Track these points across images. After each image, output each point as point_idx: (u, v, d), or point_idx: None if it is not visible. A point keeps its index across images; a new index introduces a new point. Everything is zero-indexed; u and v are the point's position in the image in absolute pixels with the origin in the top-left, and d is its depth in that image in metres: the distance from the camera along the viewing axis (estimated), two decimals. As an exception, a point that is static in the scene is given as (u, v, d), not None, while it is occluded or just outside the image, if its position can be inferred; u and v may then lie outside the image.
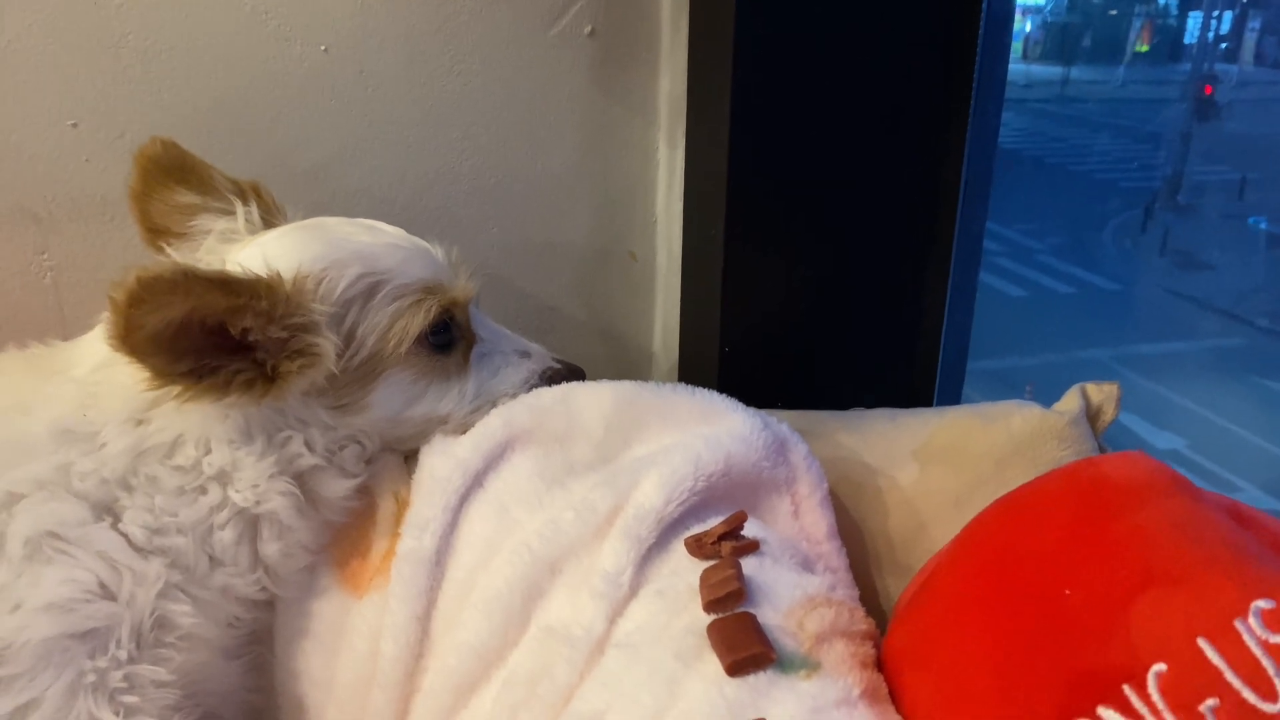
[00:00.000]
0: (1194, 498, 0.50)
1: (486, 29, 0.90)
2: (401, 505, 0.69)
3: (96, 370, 0.65)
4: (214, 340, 0.61)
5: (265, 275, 0.62)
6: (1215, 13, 10.94)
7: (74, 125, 0.83)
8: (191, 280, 0.58)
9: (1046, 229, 7.31)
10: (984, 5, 0.80)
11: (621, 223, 1.01)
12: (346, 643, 0.66)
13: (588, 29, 0.92)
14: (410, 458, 0.72)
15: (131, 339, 0.57)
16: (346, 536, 0.69)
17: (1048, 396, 0.78)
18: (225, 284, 0.60)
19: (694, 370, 0.95)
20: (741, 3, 0.78)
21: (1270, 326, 5.67)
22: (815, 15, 0.80)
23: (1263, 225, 7.11)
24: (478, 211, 0.96)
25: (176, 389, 0.61)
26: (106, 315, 0.58)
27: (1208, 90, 9.91)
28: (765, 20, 0.79)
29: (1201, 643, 0.43)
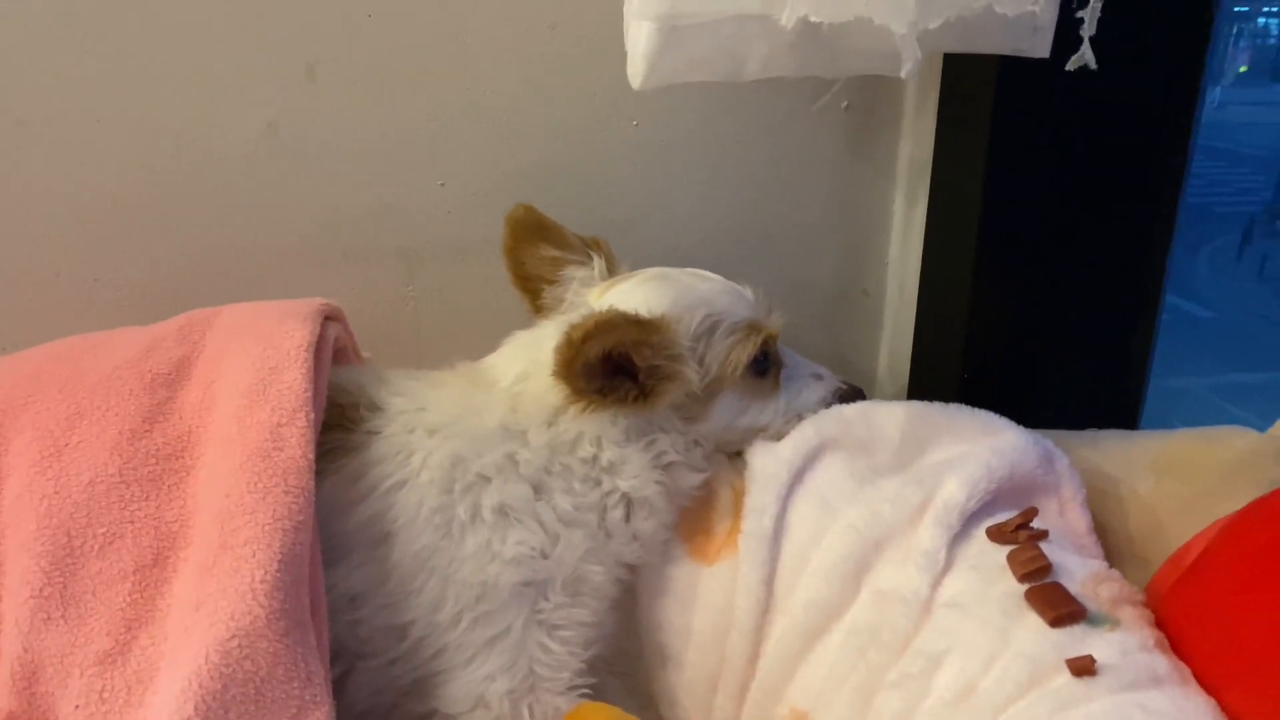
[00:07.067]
0: None
1: (764, 106, 1.08)
2: (737, 494, 0.87)
3: (516, 383, 0.84)
4: (614, 366, 0.80)
5: (654, 317, 0.81)
6: (1318, 34, 10.73)
7: (442, 185, 1.04)
8: (622, 319, 0.77)
9: (1141, 254, 7.25)
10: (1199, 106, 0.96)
11: (858, 265, 1.18)
12: (702, 600, 0.85)
13: (845, 104, 1.10)
14: (732, 458, 0.91)
15: (575, 365, 0.76)
16: (691, 517, 0.88)
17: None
18: (640, 323, 0.78)
19: (926, 393, 1.11)
20: (1000, 84, 0.95)
21: (1379, 357, 5.58)
22: (1057, 109, 0.96)
23: (1370, 253, 6.97)
24: (742, 256, 1.14)
25: (582, 402, 0.80)
26: (556, 345, 0.77)
27: (1310, 113, 9.70)
28: (1017, 101, 0.96)
29: None
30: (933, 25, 0.65)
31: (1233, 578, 0.68)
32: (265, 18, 0.96)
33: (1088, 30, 0.71)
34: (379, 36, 0.98)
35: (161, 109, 0.96)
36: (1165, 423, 1.00)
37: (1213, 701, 0.65)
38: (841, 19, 0.66)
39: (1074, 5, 0.75)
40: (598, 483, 0.82)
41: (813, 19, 0.66)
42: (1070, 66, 0.73)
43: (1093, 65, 0.72)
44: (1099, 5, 0.70)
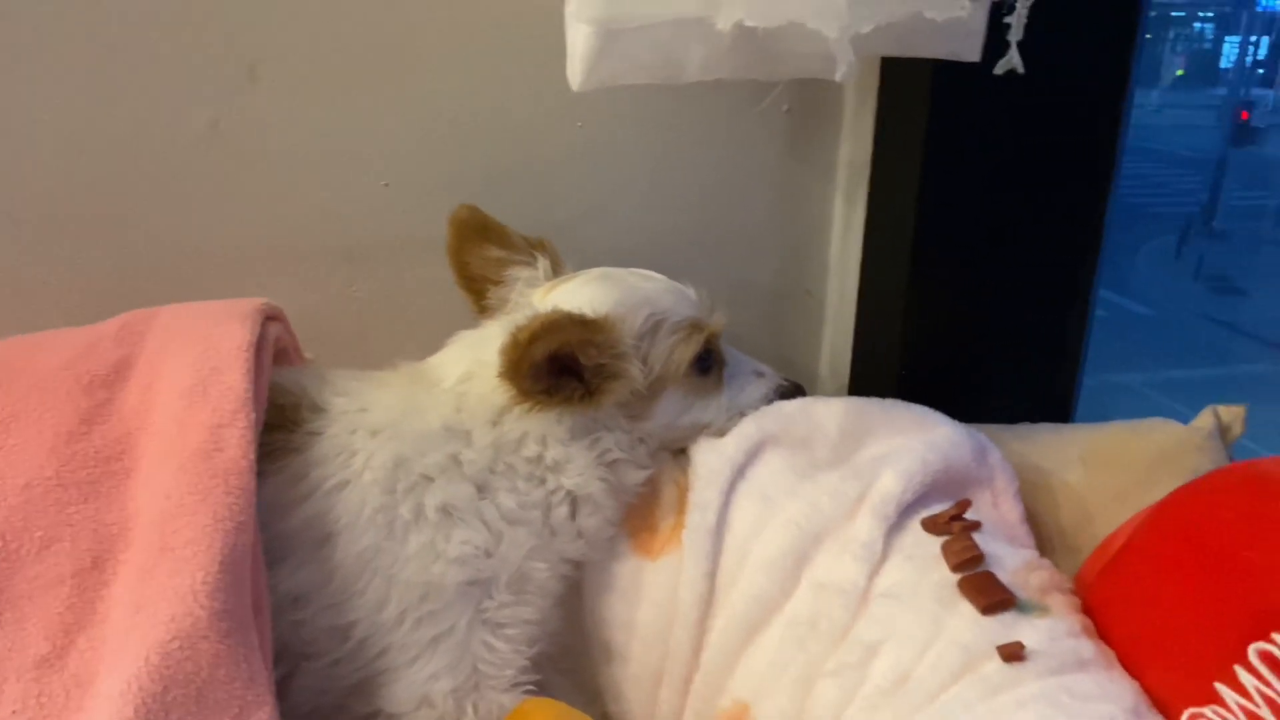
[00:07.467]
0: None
1: (708, 110, 1.09)
2: (681, 490, 0.88)
3: (460, 383, 0.84)
4: (559, 366, 0.81)
5: (599, 316, 0.82)
6: (1252, 38, 11.07)
7: (386, 186, 1.04)
8: (568, 320, 0.78)
9: (1079, 253, 7.39)
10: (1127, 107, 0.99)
11: (800, 265, 1.20)
12: (646, 595, 0.86)
13: (785, 107, 1.12)
14: (676, 455, 0.92)
15: (521, 367, 0.77)
16: (635, 513, 0.89)
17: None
18: (585, 323, 0.79)
19: (866, 390, 1.13)
20: (934, 87, 0.98)
21: (1309, 353, 5.76)
22: (989, 112, 0.99)
23: (1300, 251, 7.20)
24: (686, 256, 1.12)
25: (528, 403, 0.80)
26: (502, 347, 0.77)
27: (1244, 116, 10.01)
28: (952, 106, 0.99)
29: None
30: (864, 29, 0.67)
31: (1153, 564, 0.71)
32: (207, 17, 0.95)
33: (1015, 35, 0.73)
34: (322, 36, 0.98)
35: (102, 109, 0.95)
36: (1104, 417, 1.03)
37: (1135, 683, 0.68)
38: (776, 23, 0.67)
39: (1003, 11, 0.77)
40: (542, 481, 0.83)
41: (748, 23, 0.68)
42: (998, 70, 0.75)
43: (1020, 69, 0.75)
44: (1025, 11, 0.72)
